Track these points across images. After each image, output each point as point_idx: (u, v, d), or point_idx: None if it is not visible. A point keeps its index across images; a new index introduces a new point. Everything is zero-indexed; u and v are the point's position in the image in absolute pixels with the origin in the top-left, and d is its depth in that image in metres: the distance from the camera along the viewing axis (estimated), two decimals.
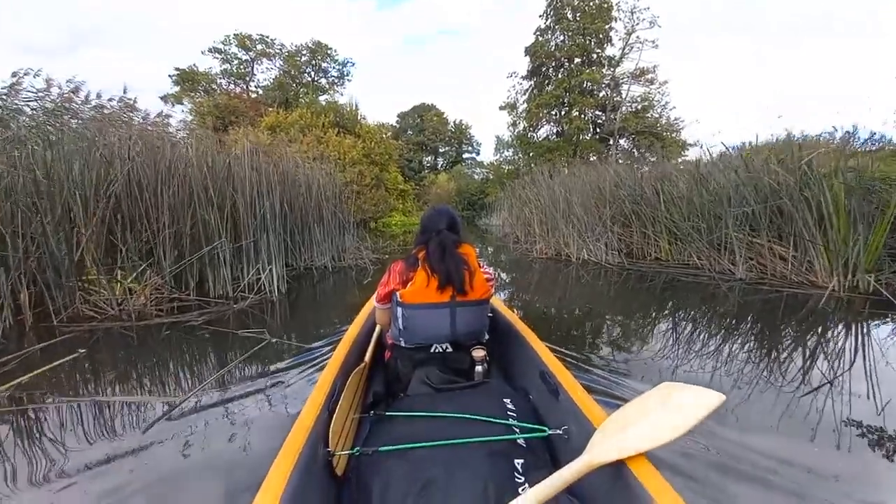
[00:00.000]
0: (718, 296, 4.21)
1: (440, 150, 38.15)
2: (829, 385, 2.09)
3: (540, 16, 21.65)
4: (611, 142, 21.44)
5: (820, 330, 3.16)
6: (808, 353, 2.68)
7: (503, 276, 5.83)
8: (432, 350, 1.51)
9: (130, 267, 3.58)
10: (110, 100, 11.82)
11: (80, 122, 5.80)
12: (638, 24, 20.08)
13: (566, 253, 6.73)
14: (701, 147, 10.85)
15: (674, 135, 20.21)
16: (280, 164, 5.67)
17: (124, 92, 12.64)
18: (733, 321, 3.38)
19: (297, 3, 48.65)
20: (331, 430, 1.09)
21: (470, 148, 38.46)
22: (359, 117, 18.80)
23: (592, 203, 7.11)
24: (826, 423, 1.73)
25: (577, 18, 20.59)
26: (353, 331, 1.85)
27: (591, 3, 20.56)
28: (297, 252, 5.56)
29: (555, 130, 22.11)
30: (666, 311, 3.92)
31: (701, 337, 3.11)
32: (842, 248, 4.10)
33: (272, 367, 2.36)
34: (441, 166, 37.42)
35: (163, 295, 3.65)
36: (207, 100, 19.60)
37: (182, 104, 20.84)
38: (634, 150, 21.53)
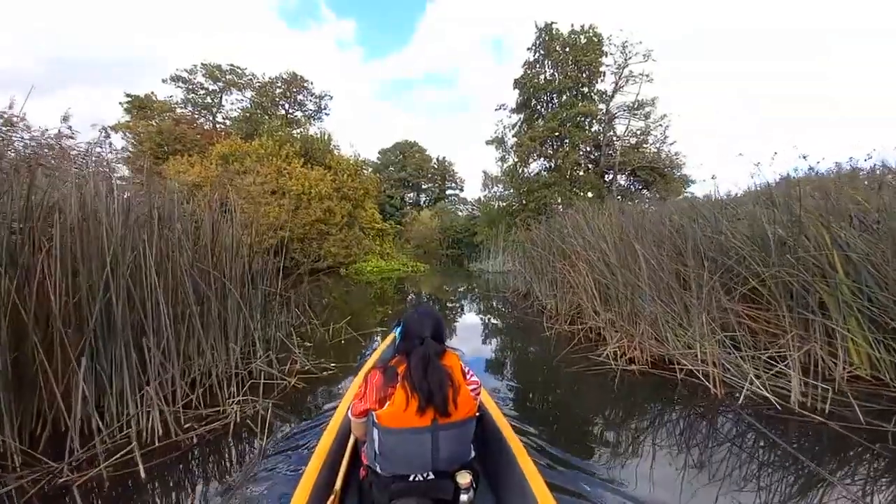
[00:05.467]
0: None
1: (423, 187, 35.56)
2: None
3: (528, 48, 19.81)
4: (607, 178, 19.13)
5: None
6: None
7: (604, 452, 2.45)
8: (411, 479, 1.27)
9: None
10: None
11: None
12: (630, 57, 18.37)
13: (686, 368, 3.19)
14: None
15: (675, 171, 18.04)
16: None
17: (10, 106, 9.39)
18: None
19: (285, 47, 46.93)
20: None
21: (453, 184, 36.07)
22: (331, 147, 15.74)
23: (667, 260, 4.02)
24: None
25: (567, 51, 18.79)
26: (322, 448, 1.56)
27: (581, 37, 18.88)
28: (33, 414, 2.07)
29: (547, 166, 19.66)
30: None
31: None
32: None
33: None
34: (424, 203, 34.67)
35: None
36: (146, 124, 16.14)
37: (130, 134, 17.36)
38: (631, 187, 19.32)
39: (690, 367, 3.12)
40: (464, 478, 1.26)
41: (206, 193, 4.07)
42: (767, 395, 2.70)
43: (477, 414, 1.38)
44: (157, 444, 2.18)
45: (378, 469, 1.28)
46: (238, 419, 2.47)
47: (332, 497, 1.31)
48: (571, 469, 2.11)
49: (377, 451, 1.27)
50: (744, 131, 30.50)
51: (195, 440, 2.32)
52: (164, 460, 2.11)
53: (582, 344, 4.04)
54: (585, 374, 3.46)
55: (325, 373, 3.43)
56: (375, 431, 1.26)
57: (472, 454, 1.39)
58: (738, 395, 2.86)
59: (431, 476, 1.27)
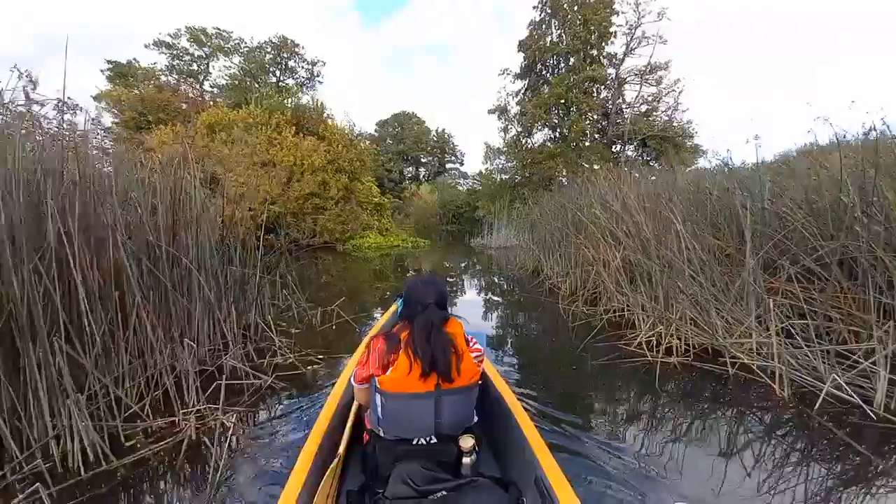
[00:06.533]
0: None
1: (422, 160, 34.40)
2: None
3: (534, 7, 18.34)
4: (615, 148, 18.19)
5: None
6: None
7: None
8: (414, 442, 1.29)
9: None
10: None
11: None
12: (644, 16, 16.98)
13: (735, 360, 2.65)
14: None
15: (686, 140, 17.09)
16: None
17: None
18: None
19: (278, 12, 43.94)
20: None
21: (453, 158, 34.88)
22: (325, 116, 14.78)
23: (708, 235, 3.45)
24: None
25: (575, 10, 17.35)
26: (327, 411, 1.60)
27: None
28: None
29: (552, 136, 18.66)
30: None
31: None
32: None
33: None
34: (423, 177, 33.66)
35: None
36: (128, 92, 15.06)
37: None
38: (640, 158, 18.40)
39: (746, 360, 2.59)
40: (466, 442, 1.27)
41: (165, 157, 3.43)
42: (853, 398, 2.19)
43: (479, 381, 1.40)
44: (83, 475, 1.68)
45: (381, 433, 1.30)
46: (194, 434, 1.97)
47: (335, 461, 1.31)
48: (574, 431, 2.03)
49: (380, 416, 1.27)
50: (745, 122, 29.60)
51: (143, 462, 1.82)
52: (91, 495, 1.62)
53: (607, 330, 3.51)
54: (616, 367, 2.95)
55: (310, 367, 2.93)
56: (378, 397, 1.26)
57: (475, 419, 1.40)
58: (806, 394, 2.36)
59: (434, 440, 1.28)
